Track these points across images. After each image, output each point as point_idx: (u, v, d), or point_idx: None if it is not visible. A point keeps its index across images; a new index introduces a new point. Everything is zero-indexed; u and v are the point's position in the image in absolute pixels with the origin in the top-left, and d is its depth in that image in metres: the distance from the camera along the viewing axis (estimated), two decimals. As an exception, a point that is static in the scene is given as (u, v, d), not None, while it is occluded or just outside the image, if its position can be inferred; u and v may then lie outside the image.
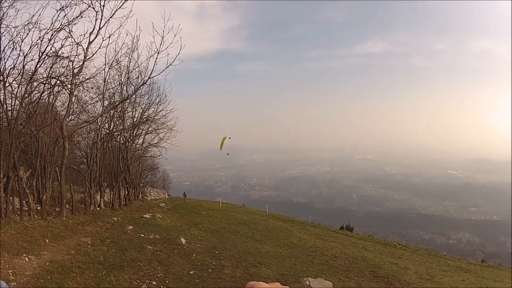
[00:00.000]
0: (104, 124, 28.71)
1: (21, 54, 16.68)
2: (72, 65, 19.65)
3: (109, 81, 26.86)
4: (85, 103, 26.57)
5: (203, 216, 35.62)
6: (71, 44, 18.72)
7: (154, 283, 13.52)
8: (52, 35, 17.27)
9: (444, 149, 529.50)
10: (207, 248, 20.59)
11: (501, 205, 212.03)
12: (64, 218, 19.97)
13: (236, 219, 36.14)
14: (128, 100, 29.01)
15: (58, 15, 17.09)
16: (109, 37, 19.93)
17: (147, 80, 24.44)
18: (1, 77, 16.18)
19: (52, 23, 16.97)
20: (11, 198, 17.00)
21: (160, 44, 20.77)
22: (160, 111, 33.03)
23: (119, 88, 27.97)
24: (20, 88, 17.87)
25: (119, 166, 32.00)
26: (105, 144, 29.33)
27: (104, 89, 26.47)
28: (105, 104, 27.04)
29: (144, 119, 32.60)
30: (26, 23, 16.34)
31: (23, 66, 17.12)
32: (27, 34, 16.56)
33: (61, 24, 17.30)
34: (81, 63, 19.74)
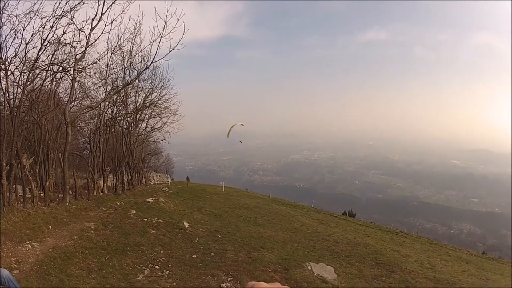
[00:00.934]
0: (107, 109, 28.64)
1: (22, 42, 16.58)
2: (75, 51, 19.47)
3: (111, 66, 26.68)
4: (88, 89, 26.57)
5: (206, 200, 35.66)
6: (73, 30, 18.56)
7: (157, 267, 13.58)
8: (54, 22, 17.11)
9: (446, 138, 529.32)
10: (209, 232, 20.65)
11: (501, 197, 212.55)
12: (67, 204, 19.95)
13: (239, 203, 36.20)
14: (131, 85, 28.85)
15: (60, 2, 16.91)
16: (112, 22, 19.75)
17: (150, 64, 24.42)
18: (3, 65, 16.12)
19: (53, 10, 16.79)
20: (14, 186, 17.00)
21: (163, 28, 20.63)
22: (163, 95, 33.11)
23: (121, 73, 27.84)
24: (22, 76, 17.80)
25: (122, 151, 32.05)
26: (108, 129, 29.31)
27: (107, 74, 26.32)
28: (108, 90, 26.98)
29: (147, 103, 32.59)
30: (27, 12, 16.19)
31: (25, 54, 17.03)
32: (29, 22, 16.44)
33: (63, 11, 17.10)
34: (83, 49, 19.60)
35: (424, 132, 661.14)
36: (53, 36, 17.67)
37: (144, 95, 32.17)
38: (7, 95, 16.66)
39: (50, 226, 15.50)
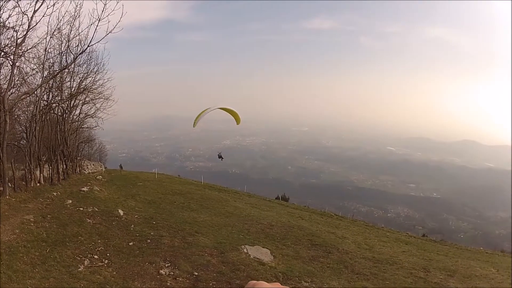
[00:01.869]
0: (42, 95, 28.03)
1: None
2: (16, 35, 19.16)
3: (49, 50, 25.96)
4: (26, 74, 25.92)
5: (140, 187, 35.78)
6: (18, 13, 18.23)
7: (96, 257, 13.83)
8: (1, 5, 16.93)
9: (384, 126, 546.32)
10: (144, 219, 21.03)
11: (441, 183, 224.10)
12: (7, 197, 19.61)
13: (172, 189, 36.58)
14: (67, 70, 28.20)
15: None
16: (54, 4, 19.44)
17: (86, 48, 23.83)
18: None
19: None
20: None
21: (102, 11, 20.22)
22: (98, 80, 32.45)
23: (58, 57, 27.11)
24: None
25: (56, 139, 31.29)
26: (44, 116, 28.59)
27: (44, 59, 25.54)
28: (44, 75, 26.49)
29: (82, 89, 31.84)
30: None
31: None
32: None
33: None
34: (24, 33, 19.22)
35: (361, 119, 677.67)
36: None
37: (79, 80, 31.41)
38: None
39: (-7, 221, 15.34)
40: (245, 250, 17.00)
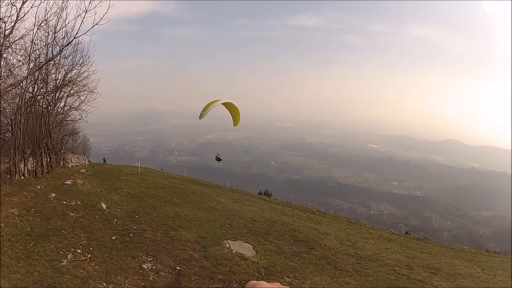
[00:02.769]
0: (28, 87, 27.91)
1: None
2: (4, 26, 19.13)
3: (36, 42, 25.95)
4: (13, 66, 25.82)
5: (123, 181, 35.69)
6: (7, 5, 18.24)
7: (79, 251, 13.94)
8: None
9: (365, 124, 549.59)
10: (127, 213, 21.17)
11: (424, 182, 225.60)
12: (-9, 190, 19.70)
13: (154, 183, 36.52)
14: (52, 62, 28.08)
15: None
16: None
17: (72, 40, 23.81)
18: None
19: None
20: None
21: (89, 2, 20.38)
22: (83, 72, 32.22)
23: (45, 49, 27.00)
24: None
25: (41, 132, 31.16)
26: (29, 109, 28.56)
27: (31, 50, 25.58)
28: (30, 67, 26.35)
29: (67, 81, 31.64)
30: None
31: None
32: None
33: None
34: (12, 24, 19.24)
35: (345, 117, 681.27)
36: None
37: (64, 72, 31.28)
38: None
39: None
40: (227, 245, 17.20)
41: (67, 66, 31.08)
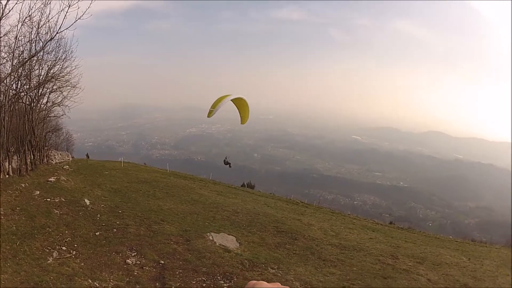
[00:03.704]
0: (12, 84, 27.90)
1: None
2: (-10, 24, 19.15)
3: (20, 38, 25.96)
4: (-3, 63, 25.74)
5: (106, 176, 35.91)
6: None
7: (64, 248, 14.11)
8: None
9: (349, 116, 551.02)
10: (110, 208, 21.33)
11: (408, 173, 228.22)
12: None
13: (137, 177, 36.79)
14: (35, 58, 28.01)
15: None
16: None
17: (55, 35, 24.00)
18: None
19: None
20: None
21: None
22: (66, 67, 32.26)
23: (28, 45, 27.03)
24: None
25: (25, 129, 31.12)
26: (12, 106, 28.55)
27: (15, 47, 25.57)
28: (14, 63, 26.28)
29: (50, 77, 31.62)
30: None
31: None
32: None
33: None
34: (-2, 22, 19.27)
35: (328, 109, 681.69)
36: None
37: (47, 68, 31.21)
38: None
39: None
40: (210, 238, 17.45)
41: (50, 62, 30.98)
